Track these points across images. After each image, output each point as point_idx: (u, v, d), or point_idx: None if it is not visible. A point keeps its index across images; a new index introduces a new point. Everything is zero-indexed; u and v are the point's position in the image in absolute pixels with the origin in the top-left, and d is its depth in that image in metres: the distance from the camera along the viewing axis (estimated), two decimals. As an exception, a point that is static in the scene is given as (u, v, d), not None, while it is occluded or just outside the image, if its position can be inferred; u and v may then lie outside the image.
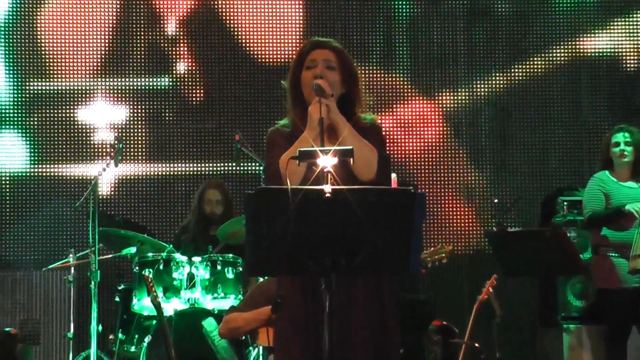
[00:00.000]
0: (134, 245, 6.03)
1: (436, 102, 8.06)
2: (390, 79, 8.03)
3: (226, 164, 7.82)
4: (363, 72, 8.14)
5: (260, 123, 7.79)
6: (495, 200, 7.77)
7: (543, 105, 8.09)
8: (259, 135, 7.74)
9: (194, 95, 7.94)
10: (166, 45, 7.92)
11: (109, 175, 7.51)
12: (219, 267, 5.72)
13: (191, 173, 7.81)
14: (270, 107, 7.76)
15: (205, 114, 7.93)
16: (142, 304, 5.69)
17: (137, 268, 5.74)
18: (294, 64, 3.51)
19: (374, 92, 7.89)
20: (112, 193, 7.72)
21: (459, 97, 8.05)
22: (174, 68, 7.91)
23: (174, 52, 7.93)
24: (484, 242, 7.77)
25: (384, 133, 3.51)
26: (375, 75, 7.98)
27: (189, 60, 7.95)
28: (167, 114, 7.89)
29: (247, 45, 7.95)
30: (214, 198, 6.48)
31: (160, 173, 7.79)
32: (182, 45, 7.94)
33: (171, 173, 7.80)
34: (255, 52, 7.95)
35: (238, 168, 7.60)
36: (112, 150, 6.07)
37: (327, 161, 2.83)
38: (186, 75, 7.93)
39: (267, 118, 7.73)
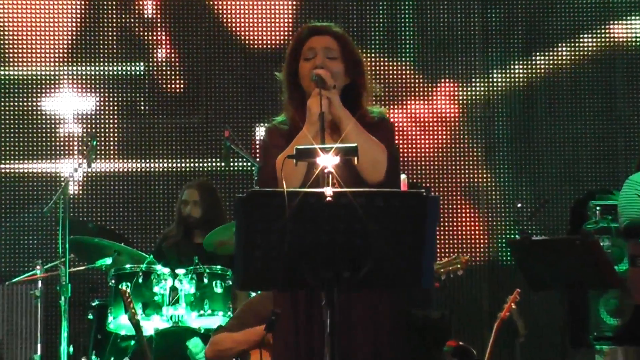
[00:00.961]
0: (110, 255, 6.03)
1: (447, 94, 8.04)
2: (394, 68, 8.01)
3: (214, 163, 7.81)
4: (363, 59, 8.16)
5: (253, 117, 7.79)
6: (519, 205, 7.75)
7: (572, 97, 8.07)
8: (251, 131, 7.73)
9: (175, 85, 7.91)
10: (142, 27, 7.89)
11: (80, 177, 7.50)
12: (205, 281, 5.71)
13: (174, 172, 7.79)
14: (263, 99, 7.76)
15: (190, 107, 7.91)
16: (119, 322, 5.68)
17: (113, 281, 5.73)
18: (290, 54, 3.51)
19: (375, 82, 7.88)
20: (85, 196, 7.71)
21: (474, 89, 8.03)
22: (152, 54, 7.89)
23: (150, 36, 7.90)
24: (505, 251, 7.76)
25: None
26: (376, 64, 7.96)
27: (168, 45, 7.92)
28: (144, 105, 7.87)
29: (237, 29, 7.94)
30: (190, 198, 6.43)
31: (139, 173, 7.77)
32: (160, 27, 7.92)
33: (152, 173, 7.79)
34: (246, 37, 7.94)
35: (227, 168, 7.59)
36: (84, 148, 6.07)
37: (328, 160, 2.82)
38: (165, 63, 7.90)
39: (260, 112, 7.72)
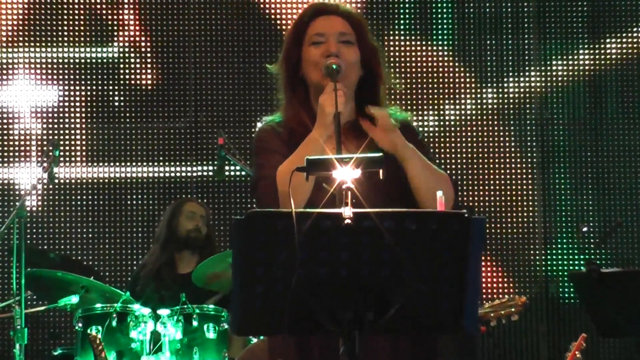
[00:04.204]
0: (76, 292, 6.03)
1: (492, 88, 8.02)
2: (425, 54, 7.99)
3: (204, 173, 7.80)
4: (388, 44, 8.18)
5: (252, 120, 7.79)
6: (584, 229, 7.72)
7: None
8: (251, 137, 7.72)
9: (156, 76, 7.91)
10: (114, 2, 7.90)
11: (40, 193, 7.51)
12: (195, 324, 5.71)
13: (157, 186, 7.79)
14: (266, 98, 7.77)
15: (175, 106, 7.91)
16: (87, 376, 5.68)
17: (79, 325, 5.74)
18: (290, 40, 3.54)
19: (403, 73, 7.87)
20: (45, 218, 7.71)
21: (526, 82, 8.01)
22: (127, 35, 7.89)
23: (124, 12, 7.90)
24: (567, 287, 7.72)
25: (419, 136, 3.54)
26: (405, 50, 7.94)
27: (146, 24, 7.92)
28: (119, 100, 7.85)
29: (233, 10, 7.95)
30: (197, 212, 6.54)
31: (113, 187, 7.77)
32: (135, 2, 7.93)
33: (129, 186, 7.78)
34: (244, 21, 7.96)
35: (222, 184, 7.59)
36: (45, 159, 6.07)
37: (347, 174, 2.81)
38: (144, 47, 7.89)
39: (263, 114, 7.71)
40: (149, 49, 7.92)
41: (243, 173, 7.40)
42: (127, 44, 7.90)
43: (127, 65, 7.88)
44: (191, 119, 7.90)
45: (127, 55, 7.89)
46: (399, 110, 3.55)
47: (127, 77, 7.88)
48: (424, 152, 3.43)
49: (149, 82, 7.91)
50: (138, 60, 7.90)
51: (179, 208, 6.63)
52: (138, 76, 7.89)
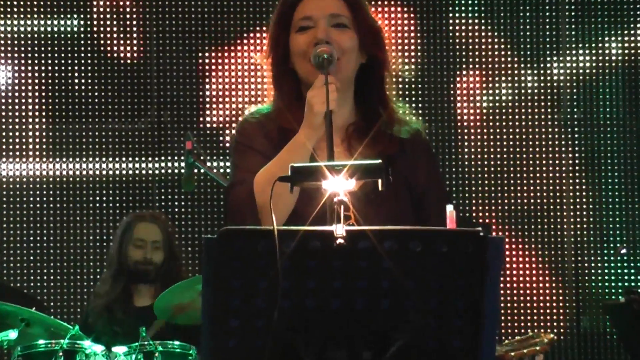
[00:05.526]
0: (15, 327, 6.02)
1: (525, 72, 8.01)
2: (440, 29, 7.96)
3: (169, 177, 7.80)
4: (394, 20, 8.10)
5: (227, 121, 7.79)
6: (623, 251, 7.73)
7: None
8: (224, 142, 7.73)
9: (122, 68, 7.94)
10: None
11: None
12: (157, 363, 5.72)
13: (111, 191, 7.78)
14: (243, 94, 7.77)
15: (137, 101, 7.90)
16: None
17: (19, 365, 5.73)
18: (275, 25, 3.53)
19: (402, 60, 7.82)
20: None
21: (562, 65, 8.00)
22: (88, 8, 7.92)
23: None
24: (602, 320, 7.73)
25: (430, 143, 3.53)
26: (416, 27, 7.92)
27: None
28: (79, 82, 7.84)
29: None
30: (147, 237, 6.55)
31: (60, 192, 7.74)
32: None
33: (79, 190, 7.76)
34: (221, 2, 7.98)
35: (189, 196, 7.59)
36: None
37: (339, 185, 2.81)
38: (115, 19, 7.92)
39: (241, 111, 7.73)
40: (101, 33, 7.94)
41: (218, 188, 7.40)
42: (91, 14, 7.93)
43: (91, 39, 7.88)
44: (153, 118, 7.89)
45: (91, 26, 7.90)
46: (407, 109, 3.55)
47: (92, 53, 7.88)
48: (438, 189, 3.46)
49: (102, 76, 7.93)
50: (107, 35, 7.92)
51: (128, 232, 6.58)
52: (106, 54, 7.89)
